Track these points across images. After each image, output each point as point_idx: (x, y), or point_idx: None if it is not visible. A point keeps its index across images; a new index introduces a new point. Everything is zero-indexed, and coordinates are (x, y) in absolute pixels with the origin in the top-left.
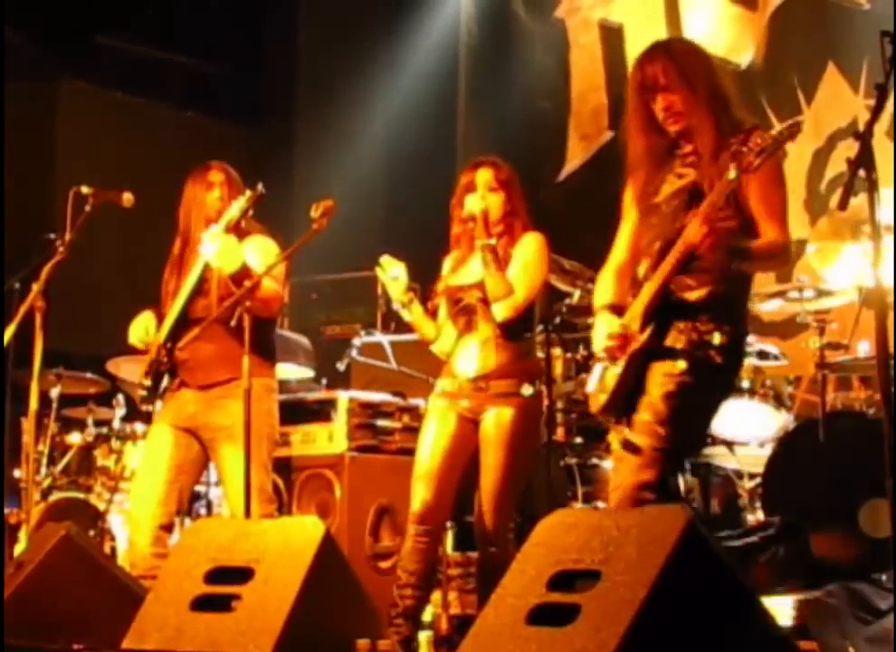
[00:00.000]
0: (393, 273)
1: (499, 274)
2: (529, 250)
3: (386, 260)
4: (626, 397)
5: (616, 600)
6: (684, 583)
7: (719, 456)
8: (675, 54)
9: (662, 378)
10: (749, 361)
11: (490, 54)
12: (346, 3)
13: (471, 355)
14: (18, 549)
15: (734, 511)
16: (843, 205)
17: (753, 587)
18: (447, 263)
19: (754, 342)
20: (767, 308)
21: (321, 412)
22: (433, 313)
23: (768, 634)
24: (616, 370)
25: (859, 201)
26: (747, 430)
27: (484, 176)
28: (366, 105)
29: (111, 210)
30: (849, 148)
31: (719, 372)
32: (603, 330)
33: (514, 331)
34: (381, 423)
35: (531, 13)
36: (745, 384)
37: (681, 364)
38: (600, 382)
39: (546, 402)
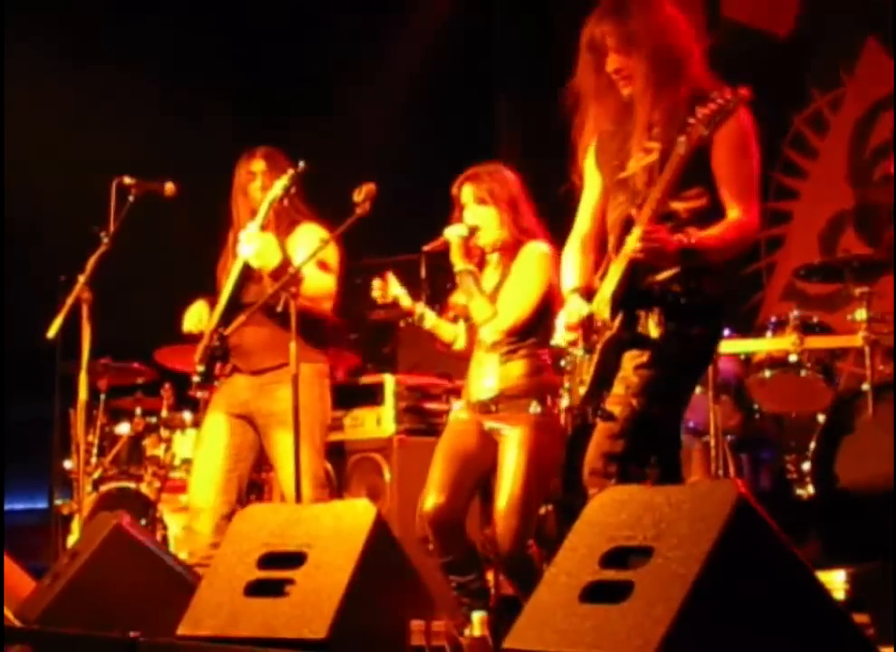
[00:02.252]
0: (395, 291)
1: (479, 298)
2: (526, 265)
3: (377, 286)
4: (605, 386)
5: (669, 576)
6: (737, 558)
7: (767, 431)
8: (626, 13)
9: (635, 352)
10: (796, 335)
11: (526, 31)
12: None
13: (481, 376)
14: (71, 539)
15: (784, 486)
16: (890, 178)
17: (806, 561)
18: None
19: (800, 316)
20: (812, 281)
21: (369, 396)
22: (452, 320)
23: (823, 607)
24: (592, 361)
25: None
26: (795, 404)
27: (466, 193)
28: (402, 88)
29: (156, 200)
30: (892, 117)
31: (695, 341)
32: (566, 317)
33: (519, 349)
34: (428, 405)
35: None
36: (792, 358)
37: (654, 343)
38: (578, 375)
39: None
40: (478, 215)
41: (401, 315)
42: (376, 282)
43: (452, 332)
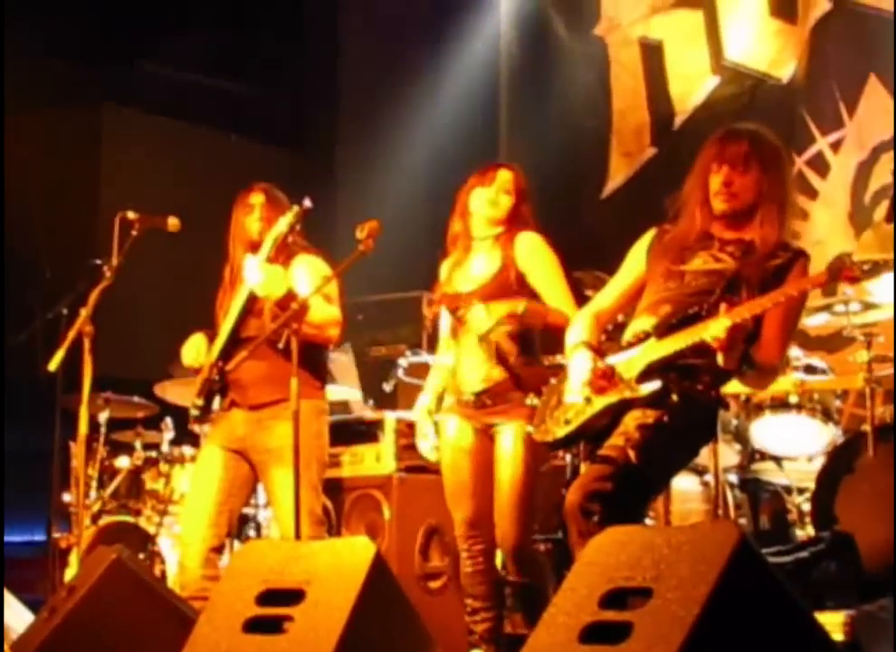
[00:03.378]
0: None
1: (539, 314)
2: (543, 257)
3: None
4: (588, 436)
5: (669, 618)
6: (736, 600)
7: (767, 472)
8: (761, 142)
9: (639, 412)
10: (797, 376)
11: (531, 74)
12: (387, 26)
13: (473, 368)
14: (69, 573)
15: (783, 526)
16: (890, 217)
17: (805, 603)
18: (443, 269)
19: (801, 357)
20: (813, 322)
21: (369, 433)
22: (432, 322)
23: (822, 650)
24: (589, 409)
25: None
26: (795, 445)
27: (505, 177)
28: (409, 126)
29: (158, 235)
30: (892, 159)
31: (700, 412)
32: (588, 363)
33: (517, 340)
34: None
35: (571, 31)
36: (793, 399)
37: (663, 411)
38: (564, 412)
39: None
40: (500, 198)
41: (400, 352)
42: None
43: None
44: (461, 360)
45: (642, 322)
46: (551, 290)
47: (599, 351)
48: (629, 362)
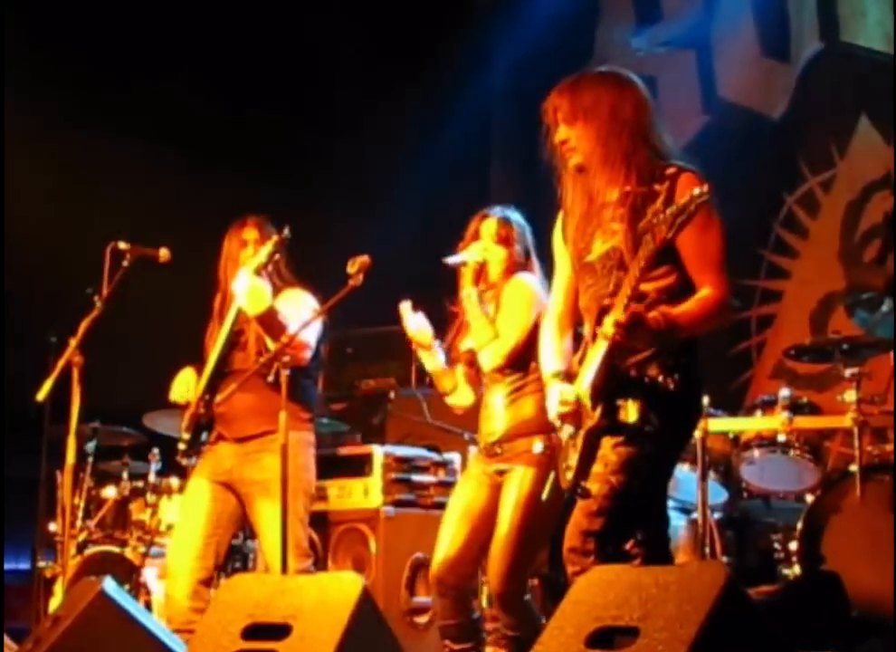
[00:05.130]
0: (417, 321)
1: (483, 320)
2: (515, 292)
3: (405, 305)
4: (589, 470)
5: None
6: (723, 640)
7: (755, 510)
8: (579, 89)
9: (614, 434)
10: (785, 414)
11: (523, 109)
12: (381, 61)
13: (488, 417)
14: (54, 603)
15: (771, 565)
16: (882, 258)
17: (792, 644)
18: (455, 327)
19: (789, 396)
20: (801, 361)
21: (357, 466)
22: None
23: None
24: (577, 448)
25: None
26: (783, 483)
27: (489, 228)
28: (401, 160)
29: (149, 265)
30: (883, 199)
31: (674, 420)
32: (556, 397)
33: (526, 386)
34: (416, 478)
35: (563, 68)
36: (781, 437)
37: (633, 427)
38: (565, 459)
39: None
40: (490, 250)
41: (391, 386)
42: (406, 305)
43: (450, 382)
44: (482, 410)
45: (585, 329)
46: (507, 319)
47: (569, 375)
48: (580, 381)
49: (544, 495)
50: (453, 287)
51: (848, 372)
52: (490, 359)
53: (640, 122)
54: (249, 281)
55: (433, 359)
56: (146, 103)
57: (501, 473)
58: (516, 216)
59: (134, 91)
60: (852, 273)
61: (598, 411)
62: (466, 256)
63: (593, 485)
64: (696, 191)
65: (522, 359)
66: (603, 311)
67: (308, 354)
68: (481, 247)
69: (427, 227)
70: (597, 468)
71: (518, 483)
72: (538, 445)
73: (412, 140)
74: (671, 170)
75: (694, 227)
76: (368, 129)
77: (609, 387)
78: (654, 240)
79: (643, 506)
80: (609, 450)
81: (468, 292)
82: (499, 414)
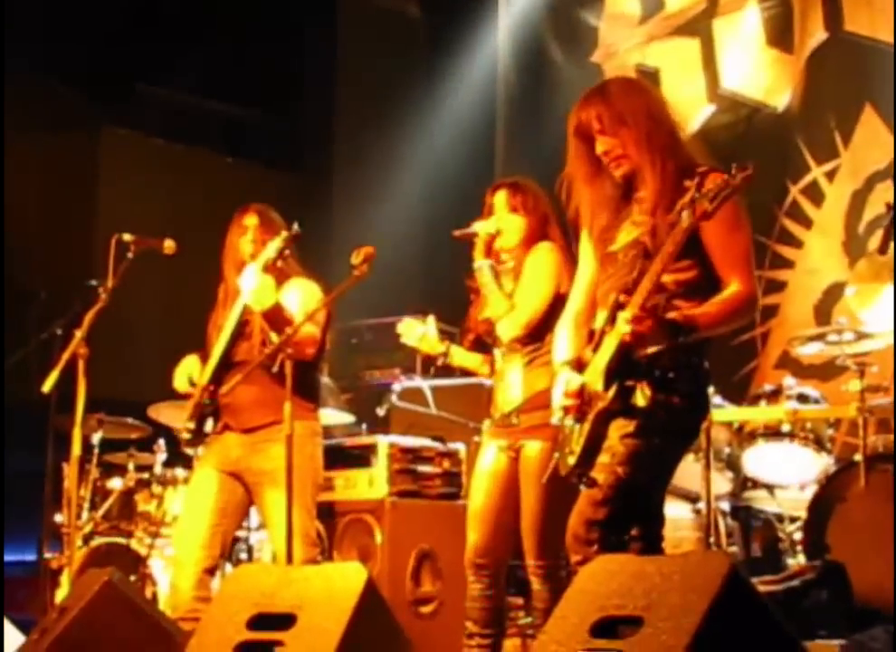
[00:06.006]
0: (418, 334)
1: (497, 292)
2: (536, 261)
3: (405, 325)
4: (594, 456)
5: (659, 647)
6: (727, 629)
7: (759, 500)
8: (611, 97)
9: (622, 421)
10: (790, 404)
11: (528, 101)
12: (384, 49)
13: (504, 388)
14: (60, 594)
15: (775, 555)
16: (883, 248)
17: (796, 632)
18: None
19: (794, 386)
20: (806, 351)
21: (362, 457)
22: (472, 347)
23: None
24: (583, 432)
25: None
26: (787, 473)
27: (500, 198)
28: (406, 151)
29: (154, 257)
30: (887, 189)
31: (681, 416)
32: (561, 386)
33: (541, 355)
34: (421, 468)
35: (568, 58)
36: (785, 427)
37: (643, 418)
38: (568, 444)
39: None
40: (505, 220)
41: (394, 377)
42: (402, 325)
43: (484, 365)
44: (496, 382)
45: (598, 319)
46: (527, 289)
47: (580, 364)
48: (593, 367)
49: (543, 479)
50: (459, 276)
51: (852, 362)
52: (507, 329)
53: (672, 121)
54: (256, 277)
55: (454, 357)
56: (149, 94)
57: (514, 447)
58: (529, 183)
59: (137, 82)
60: (856, 264)
61: (611, 392)
62: (475, 228)
63: (599, 475)
64: (733, 172)
65: (540, 329)
66: (618, 308)
67: (313, 350)
68: (493, 219)
69: (432, 215)
70: (604, 459)
71: (536, 458)
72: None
73: (417, 128)
74: (702, 169)
75: (725, 223)
76: (373, 116)
77: (622, 370)
78: (694, 214)
79: (645, 498)
80: (617, 441)
81: (479, 263)
82: (515, 384)
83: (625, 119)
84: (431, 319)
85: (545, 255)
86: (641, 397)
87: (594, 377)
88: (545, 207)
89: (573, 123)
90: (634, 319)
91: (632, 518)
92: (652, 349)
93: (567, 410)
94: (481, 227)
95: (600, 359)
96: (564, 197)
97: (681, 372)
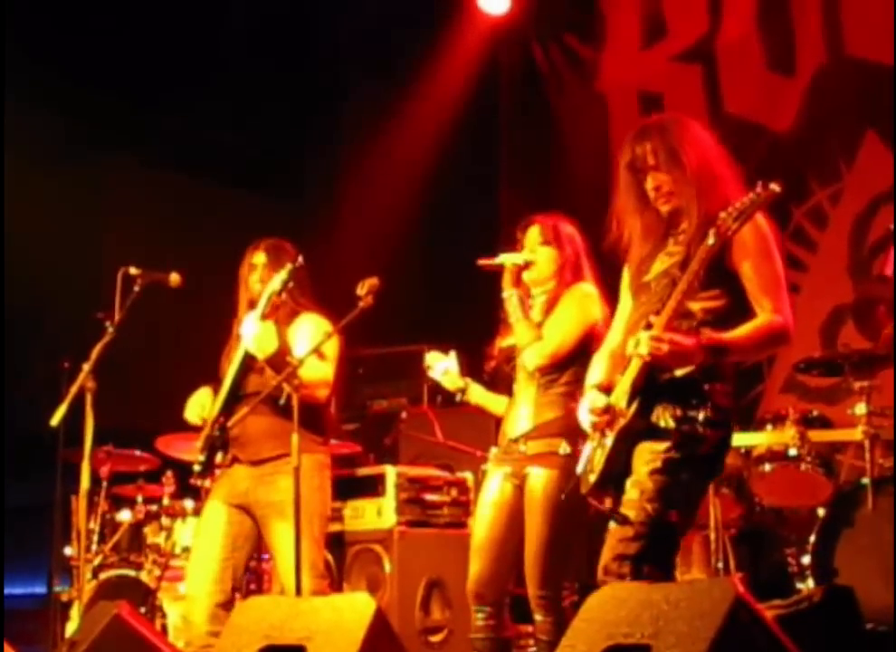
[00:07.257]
0: (441, 368)
1: (524, 322)
2: (573, 298)
3: (432, 356)
4: (615, 477)
5: None
6: None
7: (767, 524)
8: (668, 133)
9: (648, 455)
10: (796, 429)
11: (531, 127)
12: (386, 78)
13: (515, 415)
14: (70, 626)
15: (783, 579)
16: (888, 271)
17: None
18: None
19: (799, 409)
20: (812, 375)
21: (370, 487)
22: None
23: None
24: (604, 450)
25: None
26: (795, 497)
27: (533, 232)
28: (409, 180)
29: (160, 289)
30: (891, 212)
31: (707, 446)
32: (588, 404)
33: (556, 383)
34: (429, 497)
35: (572, 84)
36: (792, 451)
37: (667, 442)
38: (589, 462)
39: None
40: (538, 252)
41: (402, 406)
42: (429, 356)
43: (501, 404)
44: (508, 409)
45: (629, 346)
46: (557, 322)
47: (608, 388)
48: (619, 388)
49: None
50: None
51: (858, 386)
52: (532, 357)
53: (725, 163)
54: (255, 325)
55: (472, 395)
56: (154, 125)
57: (519, 475)
58: (563, 218)
59: (142, 112)
60: (860, 287)
61: (632, 409)
62: (501, 259)
63: (630, 512)
64: (758, 190)
65: (564, 362)
66: (647, 328)
67: (326, 391)
68: (522, 252)
69: (434, 246)
70: (633, 495)
71: (542, 487)
72: (564, 447)
73: (419, 156)
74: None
75: (757, 252)
76: (376, 147)
77: (646, 388)
78: (719, 232)
79: (673, 535)
80: (646, 477)
81: (508, 293)
82: (525, 412)
83: (680, 158)
84: (452, 354)
85: (584, 296)
86: (664, 418)
87: (619, 396)
88: (578, 243)
89: (626, 156)
90: (655, 339)
91: (661, 552)
92: (679, 372)
93: (594, 427)
94: (507, 259)
95: (626, 379)
96: (615, 229)
97: (706, 397)
